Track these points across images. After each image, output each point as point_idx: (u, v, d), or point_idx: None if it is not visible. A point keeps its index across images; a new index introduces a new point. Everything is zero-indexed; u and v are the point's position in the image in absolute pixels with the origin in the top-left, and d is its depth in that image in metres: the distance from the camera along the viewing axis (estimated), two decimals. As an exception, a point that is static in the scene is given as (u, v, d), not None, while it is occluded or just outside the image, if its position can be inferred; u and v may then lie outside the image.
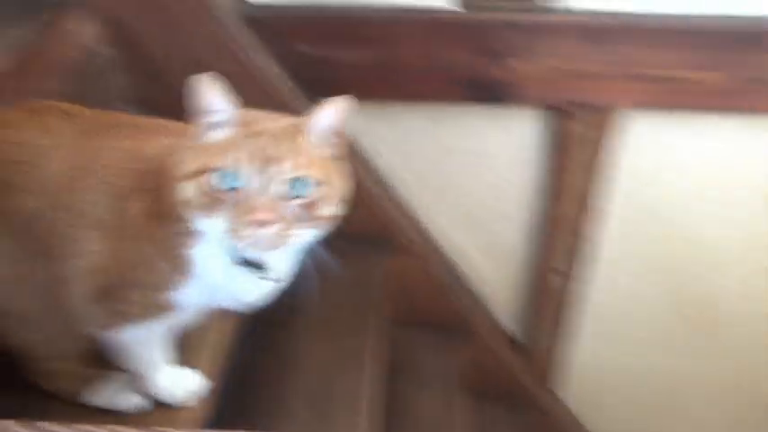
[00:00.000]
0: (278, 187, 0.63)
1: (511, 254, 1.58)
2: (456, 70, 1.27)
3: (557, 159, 1.37)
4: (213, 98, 0.64)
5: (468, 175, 1.47)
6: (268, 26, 1.25)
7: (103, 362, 0.86)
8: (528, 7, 1.21)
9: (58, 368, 0.86)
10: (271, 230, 0.62)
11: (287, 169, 0.63)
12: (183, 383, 0.90)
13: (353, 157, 1.36)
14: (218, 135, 0.65)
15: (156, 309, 0.75)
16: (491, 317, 1.68)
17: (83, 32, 1.16)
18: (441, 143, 1.43)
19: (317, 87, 1.30)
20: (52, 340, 0.82)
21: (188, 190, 0.64)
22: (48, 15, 1.10)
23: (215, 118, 0.65)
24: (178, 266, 0.71)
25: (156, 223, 0.70)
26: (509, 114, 1.36)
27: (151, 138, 0.76)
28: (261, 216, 0.61)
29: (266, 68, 1.25)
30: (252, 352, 1.19)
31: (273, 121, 0.67)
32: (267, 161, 0.62)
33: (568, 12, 1.21)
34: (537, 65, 1.23)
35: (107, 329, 0.78)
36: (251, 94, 1.23)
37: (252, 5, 1.26)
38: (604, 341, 1.74)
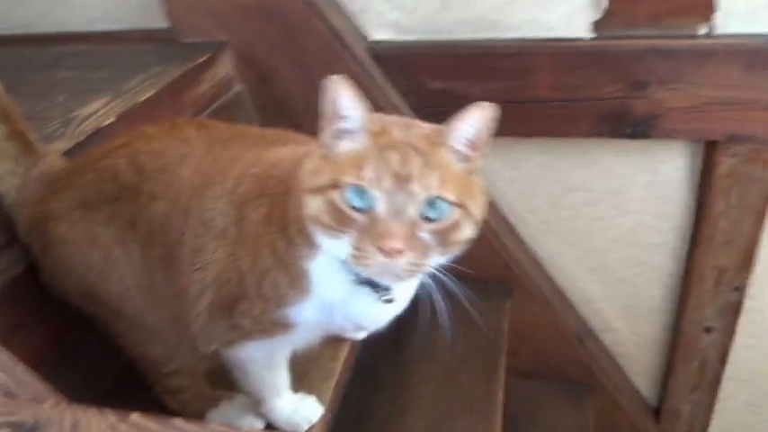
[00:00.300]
0: (412, 210, 0.57)
1: (649, 308, 1.41)
2: (591, 103, 1.17)
3: (707, 200, 1.21)
4: (345, 101, 0.59)
5: (600, 218, 1.35)
6: (392, 62, 1.24)
7: (229, 383, 0.84)
8: (676, 33, 1.11)
9: (184, 385, 0.86)
10: (401, 261, 0.56)
11: (423, 189, 0.57)
12: (303, 412, 0.85)
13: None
14: (349, 145, 0.60)
15: (274, 325, 0.71)
16: (623, 375, 1.51)
17: (218, 70, 1.22)
18: (565, 181, 1.33)
19: (441, 122, 1.27)
20: (179, 355, 0.82)
21: (315, 204, 0.60)
22: (189, 56, 1.17)
23: (346, 124, 0.60)
24: (296, 280, 0.67)
25: (275, 232, 0.66)
26: (649, 149, 1.24)
27: (276, 146, 0.75)
28: (391, 245, 0.56)
29: (399, 105, 1.23)
30: (365, 385, 1.14)
31: (409, 129, 0.61)
32: (402, 180, 0.57)
33: (725, 36, 1.09)
34: (687, 95, 1.11)
35: (228, 346, 0.76)
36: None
37: (376, 42, 1.26)
38: (760, 413, 1.50)
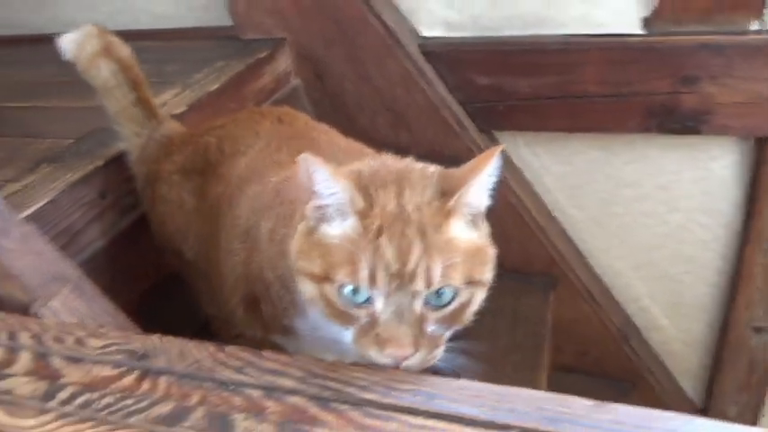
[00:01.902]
0: (417, 306, 0.50)
1: (697, 306, 1.40)
2: (640, 98, 1.19)
3: (758, 197, 1.21)
4: (321, 181, 0.51)
5: (649, 214, 1.35)
6: (442, 58, 1.28)
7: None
8: (727, 29, 1.11)
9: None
10: (410, 362, 0.50)
11: (426, 284, 0.50)
12: None
13: (517, 187, 1.33)
14: (338, 228, 0.52)
15: (284, 330, 0.69)
16: (668, 374, 1.50)
17: (277, 65, 1.29)
18: (614, 177, 1.33)
19: (490, 117, 1.30)
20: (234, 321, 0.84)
21: (310, 290, 0.54)
22: (251, 51, 1.24)
23: (326, 202, 0.52)
24: (296, 302, 0.62)
25: (276, 252, 0.62)
26: (699, 145, 1.24)
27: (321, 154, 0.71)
28: (397, 353, 0.49)
29: (448, 100, 1.27)
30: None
31: (409, 195, 0.52)
32: (400, 277, 0.49)
33: (780, 31, 1.09)
34: (738, 90, 1.11)
35: (265, 337, 0.76)
36: (433, 125, 1.30)
37: (427, 39, 1.30)
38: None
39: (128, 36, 1.48)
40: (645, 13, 1.15)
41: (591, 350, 1.45)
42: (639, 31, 1.16)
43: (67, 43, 0.86)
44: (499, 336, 1.27)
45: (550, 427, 0.39)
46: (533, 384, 1.21)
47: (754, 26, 1.10)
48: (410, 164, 0.57)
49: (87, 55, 0.85)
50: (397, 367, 0.50)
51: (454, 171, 0.54)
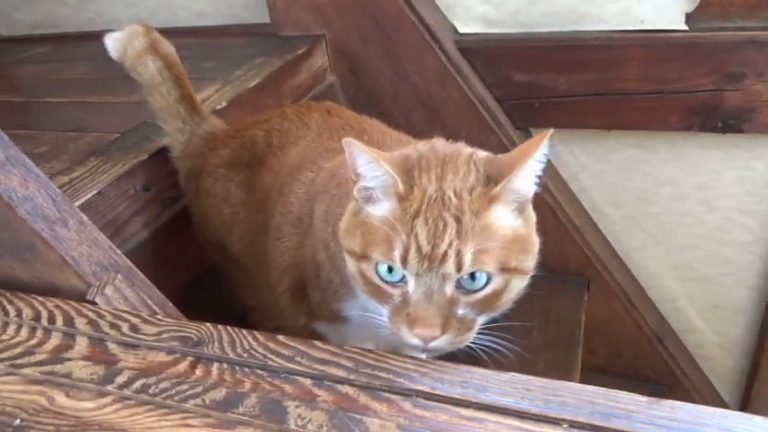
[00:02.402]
0: (447, 289, 0.51)
1: (735, 309, 1.37)
2: (682, 95, 1.16)
3: (804, 198, 1.18)
4: (363, 165, 0.54)
5: (687, 213, 1.32)
6: (479, 54, 1.27)
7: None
8: (774, 25, 1.09)
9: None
10: (437, 343, 0.52)
11: (457, 268, 0.50)
12: None
13: (552, 185, 1.31)
14: (380, 209, 0.54)
15: (333, 315, 0.72)
16: (703, 377, 1.47)
17: (314, 62, 1.30)
18: (652, 175, 1.31)
19: (526, 114, 1.29)
20: (279, 314, 0.86)
21: (352, 266, 0.57)
22: (289, 48, 1.25)
23: (369, 184, 0.54)
24: (347, 281, 0.64)
25: (331, 232, 0.64)
26: (741, 144, 1.21)
27: (372, 142, 0.74)
28: (424, 333, 0.51)
29: (484, 97, 1.27)
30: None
31: (452, 179, 0.52)
32: (432, 260, 0.50)
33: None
34: (787, 88, 1.09)
35: (310, 323, 0.79)
36: (469, 122, 1.30)
37: (464, 35, 1.30)
38: None
39: (167, 33, 1.51)
40: (689, 8, 1.12)
41: (624, 352, 1.43)
42: (683, 27, 1.14)
43: (113, 41, 0.88)
44: (531, 334, 1.27)
45: (603, 422, 0.39)
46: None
47: (801, 20, 1.07)
48: (459, 148, 0.57)
49: (134, 52, 0.87)
50: (425, 348, 0.51)
51: (502, 157, 0.55)
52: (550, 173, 1.35)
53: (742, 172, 1.24)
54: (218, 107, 1.03)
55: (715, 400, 1.49)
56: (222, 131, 0.89)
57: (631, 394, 0.40)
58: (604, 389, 0.41)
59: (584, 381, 1.24)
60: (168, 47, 0.89)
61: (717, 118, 1.16)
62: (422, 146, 0.58)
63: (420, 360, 0.46)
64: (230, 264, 0.87)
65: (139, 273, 0.59)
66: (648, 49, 1.16)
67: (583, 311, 1.34)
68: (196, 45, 1.40)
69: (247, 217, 0.82)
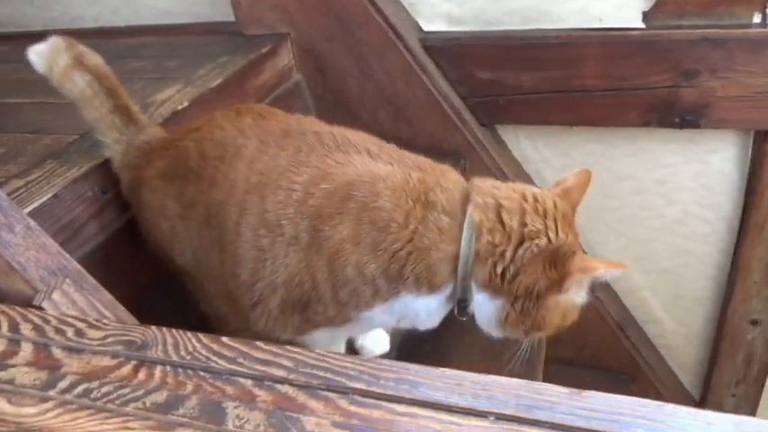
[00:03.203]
0: None
1: (695, 299, 1.41)
2: (640, 92, 1.19)
3: (756, 190, 1.21)
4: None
5: (647, 207, 1.36)
6: (443, 52, 1.28)
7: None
8: (729, 23, 1.11)
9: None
10: None
11: None
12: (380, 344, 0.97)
13: (519, 180, 1.33)
14: None
15: (346, 321, 0.76)
16: (665, 366, 1.51)
17: (279, 61, 1.30)
18: (614, 170, 1.34)
19: (491, 111, 1.31)
20: (240, 319, 0.86)
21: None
22: (253, 47, 1.25)
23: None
24: (382, 295, 0.70)
25: (366, 254, 0.68)
26: (698, 138, 1.24)
27: (339, 153, 0.75)
28: None
29: (449, 94, 1.28)
30: (408, 359, 1.21)
31: None
32: None
33: (779, 25, 1.09)
34: (739, 84, 1.11)
35: (296, 335, 0.81)
36: (434, 119, 1.31)
37: (428, 33, 1.30)
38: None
39: (130, 31, 1.51)
40: (645, 6, 1.15)
41: (589, 343, 1.46)
42: (640, 25, 1.16)
43: (37, 56, 0.85)
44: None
45: (526, 413, 0.40)
46: (530, 378, 1.22)
47: (757, 19, 1.10)
48: None
49: (60, 69, 0.84)
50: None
51: None
52: (516, 169, 1.37)
53: (698, 166, 1.27)
54: (180, 107, 1.03)
55: (677, 388, 1.53)
56: (158, 141, 0.88)
57: (554, 387, 0.42)
58: (531, 382, 0.43)
59: (550, 373, 1.28)
60: (95, 58, 0.86)
61: (674, 114, 1.19)
62: None
63: (359, 359, 0.48)
64: (180, 273, 0.87)
65: (89, 276, 0.60)
66: (607, 47, 1.18)
67: (547, 305, 1.36)
68: (159, 44, 1.39)
69: (187, 231, 0.81)
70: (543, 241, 0.67)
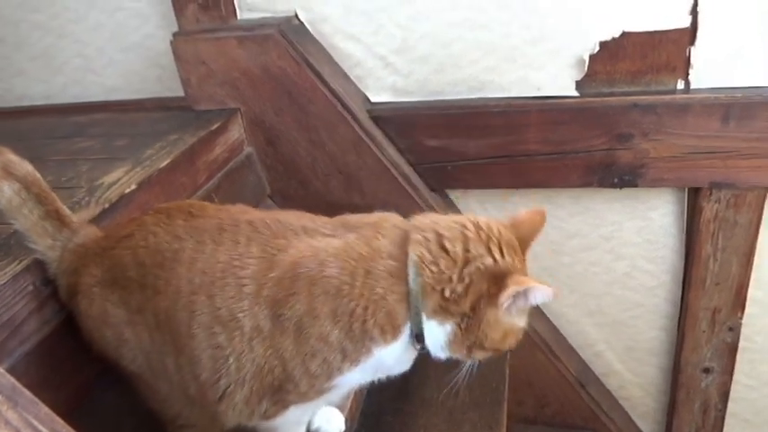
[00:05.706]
0: None
1: (648, 350, 1.44)
2: (579, 155, 1.25)
3: (695, 243, 1.27)
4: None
5: (596, 262, 1.40)
6: (391, 122, 1.32)
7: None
8: (656, 89, 1.19)
9: None
10: None
11: None
12: (334, 423, 0.95)
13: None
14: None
15: (320, 393, 0.77)
16: (627, 418, 1.53)
17: (230, 135, 1.31)
18: (563, 228, 1.38)
19: (439, 177, 1.34)
20: (193, 416, 0.85)
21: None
22: (203, 123, 1.26)
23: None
24: (353, 356, 0.73)
25: (327, 325, 0.71)
26: (638, 196, 1.30)
27: (276, 239, 0.76)
28: None
29: (398, 162, 1.31)
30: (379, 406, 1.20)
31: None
32: None
33: (701, 90, 1.16)
34: (670, 145, 1.18)
35: (267, 419, 0.80)
36: (385, 186, 1.33)
37: (376, 104, 1.34)
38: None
39: (80, 109, 1.50)
40: (578, 76, 1.22)
41: (551, 401, 1.47)
42: (574, 93, 1.23)
43: None
44: (458, 393, 1.28)
45: None
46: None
47: (680, 85, 1.18)
48: None
49: None
50: None
51: None
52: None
53: (641, 222, 1.32)
54: (128, 191, 1.01)
55: (641, 440, 1.54)
56: (93, 243, 0.85)
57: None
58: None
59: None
60: (24, 166, 0.82)
61: (613, 174, 1.25)
62: None
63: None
64: (128, 375, 0.84)
65: (24, 390, 0.57)
66: (545, 114, 1.24)
67: (507, 365, 1.37)
68: (108, 121, 1.38)
69: (137, 336, 0.79)
70: (489, 260, 0.70)
